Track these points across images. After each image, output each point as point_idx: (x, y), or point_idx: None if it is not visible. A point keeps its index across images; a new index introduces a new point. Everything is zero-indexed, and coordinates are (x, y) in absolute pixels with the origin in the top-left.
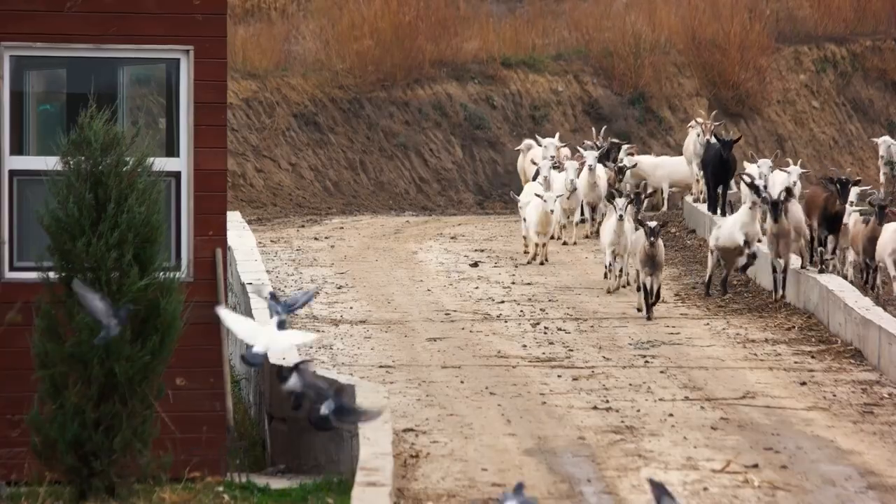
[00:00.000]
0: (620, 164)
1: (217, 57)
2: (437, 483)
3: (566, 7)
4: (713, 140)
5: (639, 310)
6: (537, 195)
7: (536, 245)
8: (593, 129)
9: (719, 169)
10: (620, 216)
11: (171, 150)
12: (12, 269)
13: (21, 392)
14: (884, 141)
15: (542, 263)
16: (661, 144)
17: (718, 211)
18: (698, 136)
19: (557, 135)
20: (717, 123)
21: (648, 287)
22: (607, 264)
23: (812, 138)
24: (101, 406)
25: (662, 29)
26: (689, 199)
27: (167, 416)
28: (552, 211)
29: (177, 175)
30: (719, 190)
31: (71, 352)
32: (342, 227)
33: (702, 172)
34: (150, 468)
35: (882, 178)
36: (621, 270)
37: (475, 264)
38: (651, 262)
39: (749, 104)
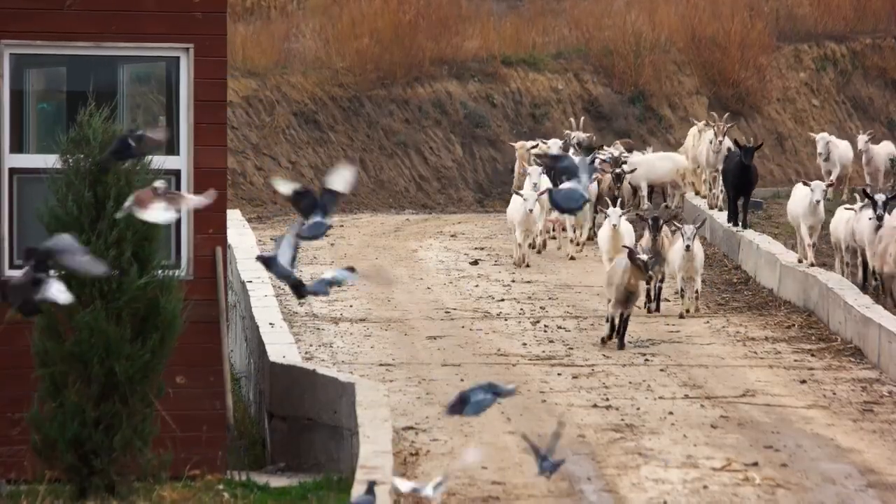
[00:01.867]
0: (618, 171)
1: (217, 55)
2: None
3: (566, 5)
4: (724, 140)
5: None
6: (516, 193)
7: (520, 246)
8: (571, 118)
9: (741, 178)
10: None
11: (171, 148)
12: (12, 266)
13: (21, 391)
14: (822, 137)
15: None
16: (661, 142)
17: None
18: (711, 142)
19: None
20: (729, 125)
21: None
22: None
23: (812, 136)
24: (101, 405)
25: (663, 27)
26: (689, 196)
27: (167, 414)
28: (615, 226)
29: (177, 173)
30: (740, 201)
31: (71, 350)
32: (342, 226)
33: (718, 179)
34: (151, 467)
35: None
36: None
37: (475, 262)
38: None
39: (749, 102)
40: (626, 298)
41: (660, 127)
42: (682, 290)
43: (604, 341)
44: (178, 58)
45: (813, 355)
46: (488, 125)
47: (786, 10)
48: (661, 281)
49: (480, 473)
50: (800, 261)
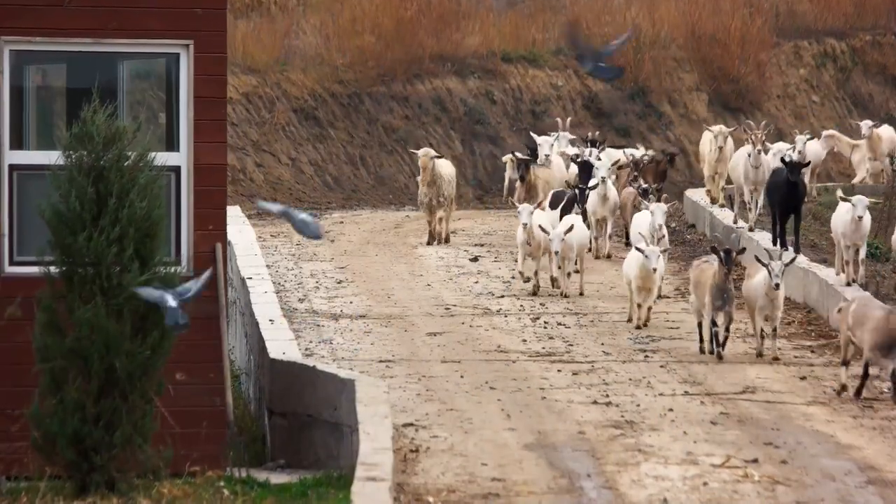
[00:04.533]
0: (645, 186)
1: (217, 51)
2: (437, 478)
3: (566, 1)
4: (762, 154)
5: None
6: (637, 248)
7: (639, 306)
8: (558, 119)
9: (788, 196)
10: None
11: (171, 144)
12: (12, 263)
13: (21, 387)
14: (799, 139)
15: (638, 327)
16: (661, 139)
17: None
18: (749, 155)
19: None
20: (766, 132)
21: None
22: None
23: (812, 133)
24: (102, 401)
25: (662, 23)
26: (688, 193)
27: (167, 411)
28: (655, 270)
29: (177, 170)
30: (783, 220)
31: (71, 346)
32: (342, 222)
33: (755, 197)
34: (150, 463)
35: None
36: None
37: (475, 259)
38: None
39: (749, 99)
40: (722, 298)
41: (659, 123)
42: (761, 330)
43: (710, 352)
44: (178, 54)
45: (813, 352)
46: (488, 122)
47: (786, 6)
48: (730, 321)
49: (481, 470)
50: (848, 283)
